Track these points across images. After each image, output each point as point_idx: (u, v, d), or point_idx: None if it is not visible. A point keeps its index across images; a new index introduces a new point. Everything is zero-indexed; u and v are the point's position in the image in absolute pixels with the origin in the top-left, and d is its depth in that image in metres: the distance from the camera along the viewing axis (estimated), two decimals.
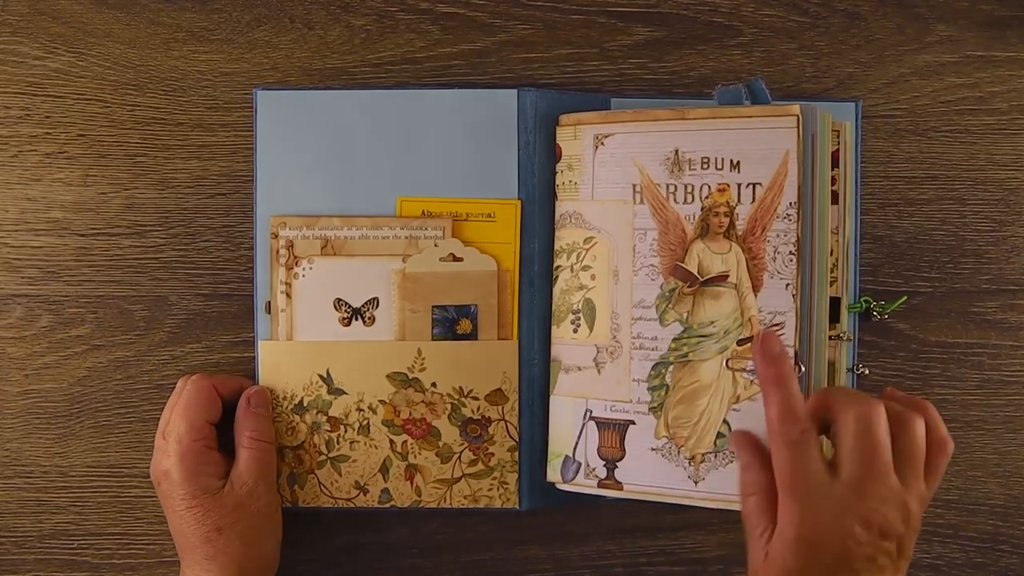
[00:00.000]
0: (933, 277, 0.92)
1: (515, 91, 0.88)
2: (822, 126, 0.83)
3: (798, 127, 0.82)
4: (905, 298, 0.91)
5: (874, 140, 0.92)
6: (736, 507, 0.79)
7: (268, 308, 0.88)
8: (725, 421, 0.84)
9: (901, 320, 0.92)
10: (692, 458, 0.84)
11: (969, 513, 0.92)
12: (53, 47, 0.91)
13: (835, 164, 0.86)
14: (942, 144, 0.92)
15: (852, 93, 0.91)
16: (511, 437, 0.88)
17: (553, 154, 0.88)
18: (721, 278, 0.84)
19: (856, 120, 0.89)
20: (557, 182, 0.88)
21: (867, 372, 0.90)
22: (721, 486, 0.84)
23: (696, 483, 0.85)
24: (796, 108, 0.82)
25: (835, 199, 0.86)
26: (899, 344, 0.92)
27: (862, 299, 0.89)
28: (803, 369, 0.81)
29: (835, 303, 0.87)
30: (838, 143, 0.86)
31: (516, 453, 0.88)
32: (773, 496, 0.74)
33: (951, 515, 0.92)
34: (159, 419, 0.86)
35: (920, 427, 0.73)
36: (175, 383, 0.88)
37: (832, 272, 0.86)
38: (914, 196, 0.92)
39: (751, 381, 0.83)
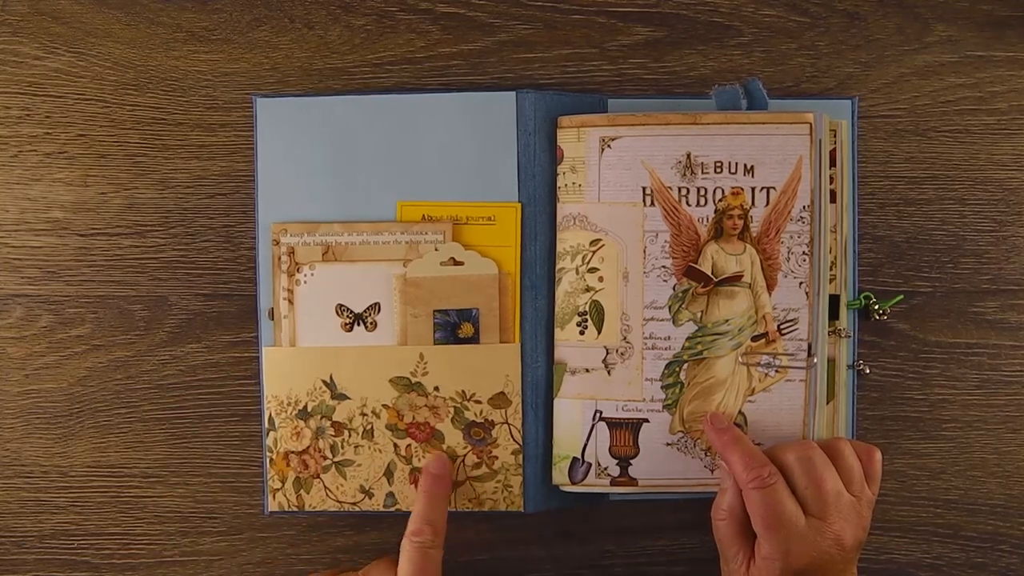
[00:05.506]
0: (933, 277, 0.92)
1: (514, 93, 0.88)
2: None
3: (811, 133, 0.84)
4: (901, 296, 0.91)
5: (874, 140, 0.92)
6: None
7: (271, 315, 0.88)
8: (741, 412, 0.87)
9: (901, 320, 0.92)
10: (708, 449, 0.87)
11: (969, 513, 0.93)
12: (53, 47, 0.90)
13: (832, 163, 0.87)
14: (942, 144, 0.92)
15: (852, 93, 0.91)
16: (515, 440, 0.88)
17: (554, 156, 0.88)
18: (736, 278, 0.86)
19: (852, 117, 0.89)
20: (559, 184, 0.88)
21: (868, 371, 0.91)
22: None
23: (713, 471, 0.87)
24: (810, 116, 0.85)
25: (833, 197, 0.87)
26: (899, 344, 0.92)
27: (862, 295, 0.90)
28: (815, 361, 0.85)
29: (834, 300, 0.88)
30: (835, 142, 0.87)
31: (520, 456, 0.88)
32: (743, 522, 0.81)
33: (951, 515, 0.93)
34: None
35: (847, 447, 0.83)
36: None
37: (831, 270, 0.87)
38: (914, 196, 0.92)
39: (766, 374, 0.86)
